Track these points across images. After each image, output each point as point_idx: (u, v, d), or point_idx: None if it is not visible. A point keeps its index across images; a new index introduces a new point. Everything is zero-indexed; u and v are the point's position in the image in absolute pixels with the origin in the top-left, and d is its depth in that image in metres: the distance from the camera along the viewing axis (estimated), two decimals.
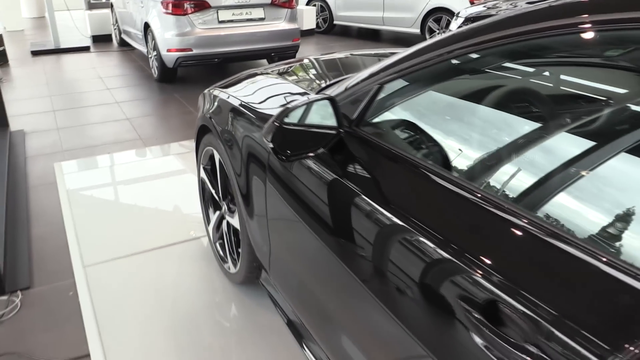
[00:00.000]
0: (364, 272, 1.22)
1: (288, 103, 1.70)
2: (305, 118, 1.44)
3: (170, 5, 5.69)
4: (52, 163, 3.96)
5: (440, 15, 7.93)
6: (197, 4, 5.72)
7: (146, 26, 6.32)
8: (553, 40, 1.04)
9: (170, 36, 5.78)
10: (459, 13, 5.85)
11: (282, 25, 6.20)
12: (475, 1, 7.48)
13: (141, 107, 5.47)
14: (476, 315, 0.90)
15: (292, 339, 2.01)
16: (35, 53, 8.02)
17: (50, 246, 2.85)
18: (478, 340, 0.89)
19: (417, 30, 8.32)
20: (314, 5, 9.76)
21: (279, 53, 6.25)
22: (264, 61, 6.92)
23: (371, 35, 9.61)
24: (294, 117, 1.43)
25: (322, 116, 1.42)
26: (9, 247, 2.73)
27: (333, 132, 1.41)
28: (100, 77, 6.73)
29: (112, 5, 8.52)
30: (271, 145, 1.35)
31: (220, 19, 5.85)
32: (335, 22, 9.61)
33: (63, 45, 8.23)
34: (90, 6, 10.71)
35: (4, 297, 2.42)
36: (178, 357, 2.08)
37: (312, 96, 1.50)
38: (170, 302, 2.40)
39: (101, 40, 8.97)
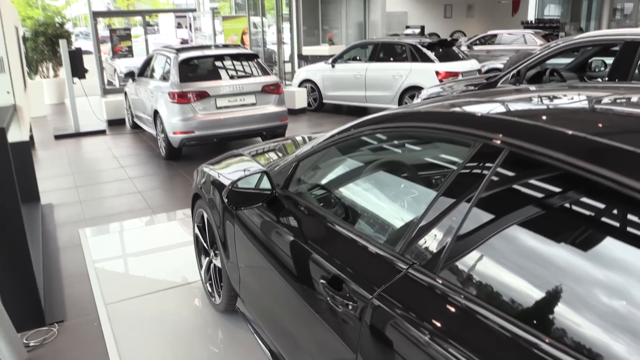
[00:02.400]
0: (296, 287, 1.99)
1: (245, 175, 2.55)
2: (253, 184, 2.29)
3: (176, 96, 6.74)
4: (77, 229, 4.81)
5: (414, 92, 8.97)
6: (199, 94, 6.77)
7: (155, 112, 7.36)
8: (413, 131, 1.86)
9: (175, 121, 6.79)
10: (421, 92, 6.85)
11: (272, 108, 7.23)
12: (442, 80, 8.55)
13: (151, 181, 6.39)
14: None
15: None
16: (57, 137, 9.06)
17: (79, 291, 3.64)
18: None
19: (396, 106, 9.36)
20: (305, 86, 10.91)
21: (269, 132, 7.24)
22: (258, 138, 7.90)
23: (358, 112, 10.66)
24: (245, 183, 2.28)
25: (262, 182, 2.27)
26: (47, 291, 3.53)
27: (268, 192, 2.25)
28: (115, 156, 7.71)
29: (125, 93, 9.67)
30: (226, 200, 2.20)
31: (218, 106, 6.88)
32: (324, 101, 10.72)
33: (82, 129, 9.29)
34: (106, 92, 11.96)
35: (45, 328, 3.19)
36: None
37: (255, 170, 2.36)
38: (172, 330, 3.17)
39: (116, 123, 10.05)
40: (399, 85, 9.26)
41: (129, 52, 14.06)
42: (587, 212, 1.23)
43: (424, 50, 9.17)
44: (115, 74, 15.10)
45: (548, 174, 1.31)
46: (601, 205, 1.20)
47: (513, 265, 1.27)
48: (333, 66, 10.43)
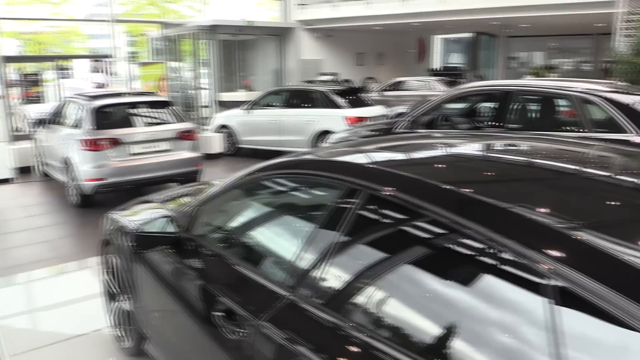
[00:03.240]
0: (197, 323, 2.15)
1: (151, 219, 2.71)
2: (159, 228, 2.47)
3: (88, 143, 6.73)
4: None
5: (327, 136, 9.42)
6: (112, 141, 6.81)
7: (67, 159, 7.27)
8: (296, 177, 2.14)
9: (88, 168, 6.76)
10: (328, 137, 7.28)
11: (186, 154, 7.37)
12: (351, 124, 9.06)
13: (61, 230, 6.28)
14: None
15: None
16: None
17: None
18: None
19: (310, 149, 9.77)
20: (222, 131, 11.12)
21: (184, 177, 7.35)
22: (174, 184, 7.96)
23: (273, 156, 10.97)
24: (151, 227, 2.45)
25: (167, 226, 2.46)
26: None
27: (173, 235, 2.44)
28: (22, 205, 7.48)
29: (35, 140, 9.41)
30: (132, 244, 2.36)
31: (131, 152, 6.94)
32: (240, 145, 10.96)
33: None
34: (15, 138, 11.50)
35: None
36: None
37: (160, 214, 2.55)
38: None
39: (24, 171, 9.72)
40: (312, 130, 9.70)
41: (40, 98, 13.70)
42: (420, 235, 1.55)
43: (334, 97, 9.70)
44: (24, 119, 14.59)
45: (393, 208, 1.64)
46: (431, 233, 1.52)
47: (373, 278, 1.56)
48: (249, 112, 10.75)
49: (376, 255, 1.64)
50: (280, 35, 17.45)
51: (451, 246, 1.44)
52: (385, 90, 17.64)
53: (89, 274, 4.88)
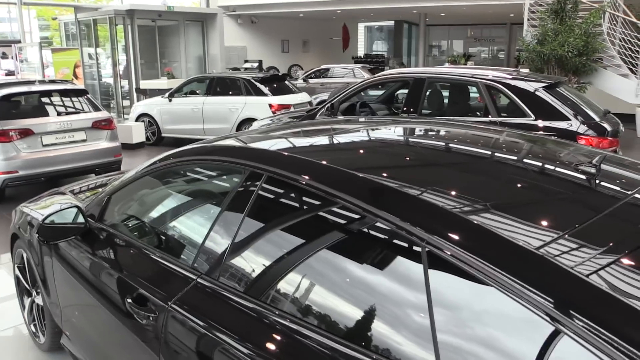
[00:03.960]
0: (111, 311, 2.16)
1: (58, 210, 2.66)
2: (68, 219, 2.43)
3: None
4: None
5: (250, 124, 9.41)
6: (22, 132, 6.48)
7: None
8: (202, 163, 2.19)
9: None
10: (252, 124, 7.31)
11: (104, 144, 7.15)
12: (275, 112, 9.11)
13: None
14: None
15: None
16: None
17: None
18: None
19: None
20: (142, 120, 10.83)
21: (103, 168, 7.12)
22: (92, 175, 7.70)
23: None
24: (60, 218, 2.42)
25: (76, 217, 2.43)
26: None
27: (82, 225, 2.41)
28: None
29: None
30: (37, 235, 2.32)
31: (44, 143, 6.64)
32: (163, 134, 10.72)
33: None
34: None
35: None
36: None
37: (68, 205, 2.52)
38: None
39: None
40: (236, 118, 9.65)
41: None
42: (314, 213, 1.66)
43: (258, 84, 9.69)
44: None
45: (290, 189, 1.75)
46: (316, 206, 1.63)
47: (275, 259, 1.65)
48: (170, 100, 10.52)
49: (274, 236, 1.75)
50: (202, 21, 17.09)
51: (346, 226, 1.55)
52: (310, 77, 17.77)
53: (1, 272, 4.67)
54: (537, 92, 4.92)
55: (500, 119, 5.01)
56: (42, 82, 7.81)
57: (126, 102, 14.17)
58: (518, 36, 15.80)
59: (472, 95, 6.00)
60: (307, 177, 1.65)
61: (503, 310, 1.14)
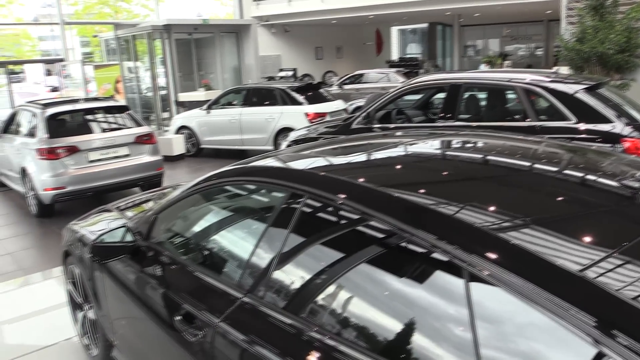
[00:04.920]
0: (159, 327, 2.24)
1: (108, 230, 2.77)
2: (117, 237, 2.54)
3: (45, 152, 6.66)
4: None
5: (288, 133, 9.51)
6: (69, 149, 6.74)
7: (23, 169, 7.16)
8: (245, 183, 2.27)
9: (45, 177, 6.68)
10: (288, 135, 7.39)
11: (146, 158, 7.36)
12: (312, 120, 9.17)
13: (22, 241, 6.21)
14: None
15: None
16: None
17: None
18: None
19: (272, 147, 9.83)
20: (182, 133, 11.08)
21: (146, 181, 7.34)
22: (137, 189, 7.93)
23: (236, 155, 11.00)
24: (109, 237, 2.52)
25: (125, 235, 2.53)
26: None
27: (130, 244, 2.51)
28: None
29: None
30: (90, 255, 2.43)
31: (90, 159, 6.89)
32: (202, 146, 10.95)
33: None
34: None
35: None
36: None
37: (116, 224, 2.62)
38: None
39: None
40: (273, 128, 9.77)
41: None
42: (359, 237, 1.69)
43: (293, 94, 9.80)
44: None
45: (330, 208, 1.80)
46: (370, 234, 1.66)
47: (316, 275, 1.69)
48: (208, 112, 10.74)
49: (316, 254, 1.79)
50: (237, 32, 17.39)
51: (384, 244, 1.58)
52: (345, 83, 17.82)
53: (53, 284, 4.87)
54: (577, 94, 4.82)
55: (539, 123, 4.93)
56: (86, 99, 8.11)
57: (165, 114, 14.52)
58: (556, 33, 15.46)
59: (509, 99, 5.91)
60: (345, 197, 1.68)
61: (543, 329, 1.15)
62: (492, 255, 1.29)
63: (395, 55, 24.72)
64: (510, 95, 5.77)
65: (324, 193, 1.76)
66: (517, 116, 5.54)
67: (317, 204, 1.83)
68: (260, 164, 2.23)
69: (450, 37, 24.60)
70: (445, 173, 2.02)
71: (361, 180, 1.80)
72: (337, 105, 10.28)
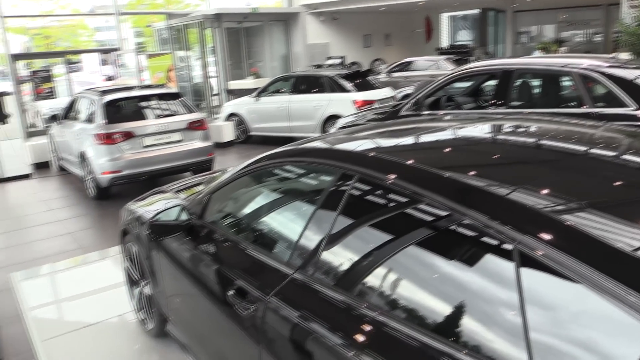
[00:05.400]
0: (212, 302, 2.33)
1: (164, 209, 2.88)
2: (173, 216, 2.64)
3: (102, 137, 6.94)
4: (8, 274, 4.90)
5: (335, 120, 9.53)
6: (125, 134, 7.00)
7: (82, 154, 7.49)
8: (297, 164, 2.33)
9: (103, 161, 6.97)
10: (336, 122, 7.41)
11: (197, 144, 7.56)
12: (360, 108, 9.16)
13: (81, 222, 6.51)
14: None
15: None
16: None
17: (15, 330, 3.81)
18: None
19: (319, 134, 9.89)
20: (232, 120, 11.28)
21: (197, 166, 7.54)
22: (188, 174, 8.15)
23: (284, 141, 11.13)
24: (165, 216, 2.63)
25: (180, 215, 2.63)
26: None
27: (185, 222, 2.61)
28: (42, 200, 7.73)
29: (50, 135, 9.65)
30: (148, 232, 2.54)
31: (144, 145, 7.13)
32: (251, 133, 11.12)
33: (6, 175, 9.19)
34: (29, 135, 11.78)
35: None
36: None
37: (173, 203, 2.73)
38: (109, 356, 3.41)
39: (41, 167, 9.99)
40: (320, 115, 9.82)
41: (52, 94, 13.92)
42: (408, 217, 1.71)
43: (341, 81, 9.80)
44: (38, 115, 14.85)
45: (380, 188, 1.82)
46: (409, 210, 1.67)
47: (368, 256, 1.72)
48: (257, 99, 10.88)
49: (365, 234, 1.82)
50: (285, 20, 17.48)
51: (434, 224, 1.59)
52: (394, 71, 17.63)
53: (110, 262, 5.10)
54: (637, 80, 4.63)
55: (596, 110, 4.76)
56: (141, 87, 8.37)
57: (216, 102, 14.80)
58: (616, 18, 14.79)
59: (564, 85, 5.73)
60: (395, 177, 1.70)
61: (599, 314, 1.13)
62: (546, 236, 1.27)
63: (445, 43, 24.24)
64: (566, 82, 5.58)
65: (375, 173, 1.78)
66: (572, 103, 5.37)
67: (368, 185, 1.85)
68: (310, 145, 2.27)
69: (502, 23, 23.90)
70: (498, 155, 1.99)
71: (412, 161, 1.80)
72: (386, 92, 10.22)
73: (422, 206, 1.62)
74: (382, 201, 1.86)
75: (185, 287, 2.66)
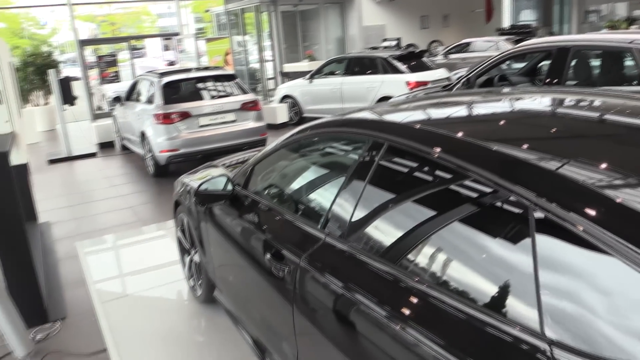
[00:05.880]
0: (253, 266, 2.46)
1: (209, 178, 3.00)
2: (219, 186, 2.78)
3: (161, 117, 7.24)
4: (74, 243, 5.26)
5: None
6: (182, 114, 7.28)
7: (143, 133, 7.84)
8: (332, 134, 2.40)
9: (161, 140, 7.29)
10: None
11: (251, 124, 7.75)
12: (413, 89, 9.09)
13: (140, 197, 6.86)
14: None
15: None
16: (51, 161, 9.53)
17: (78, 293, 4.11)
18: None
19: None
20: (286, 102, 11.44)
21: (250, 146, 7.72)
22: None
23: None
24: (212, 186, 2.77)
25: (225, 185, 2.77)
26: (49, 294, 3.99)
27: (230, 192, 2.75)
28: (106, 177, 8.18)
29: (114, 117, 10.16)
30: (194, 199, 2.69)
31: (200, 124, 7.39)
32: (304, 114, 11.25)
33: (74, 153, 9.76)
34: (95, 116, 12.42)
35: (49, 324, 3.65)
36: (168, 353, 3.30)
37: (218, 174, 2.87)
38: (161, 321, 3.64)
39: (106, 146, 10.53)
40: (373, 96, 9.80)
41: (116, 77, 14.56)
42: (436, 182, 1.75)
43: (395, 62, 9.73)
44: (103, 98, 15.58)
45: (412, 158, 1.85)
46: (441, 177, 1.71)
47: (395, 223, 1.78)
48: (311, 81, 10.98)
49: (396, 203, 1.86)
50: (341, 2, 17.43)
51: (461, 195, 1.61)
52: (451, 52, 17.28)
53: (166, 234, 5.38)
54: None
55: None
56: (197, 69, 8.64)
57: (271, 85, 15.02)
58: None
59: (627, 63, 5.47)
60: (440, 150, 1.65)
61: None
62: (593, 213, 1.21)
63: (506, 23, 23.43)
64: (628, 60, 5.33)
65: (405, 142, 1.82)
66: (635, 82, 5.13)
67: (398, 154, 1.89)
68: (355, 116, 2.32)
69: (569, 2, 22.84)
70: (549, 129, 1.85)
71: (458, 134, 1.74)
72: (440, 73, 10.06)
73: (466, 181, 1.56)
74: (425, 174, 1.82)
75: (229, 255, 2.81)
